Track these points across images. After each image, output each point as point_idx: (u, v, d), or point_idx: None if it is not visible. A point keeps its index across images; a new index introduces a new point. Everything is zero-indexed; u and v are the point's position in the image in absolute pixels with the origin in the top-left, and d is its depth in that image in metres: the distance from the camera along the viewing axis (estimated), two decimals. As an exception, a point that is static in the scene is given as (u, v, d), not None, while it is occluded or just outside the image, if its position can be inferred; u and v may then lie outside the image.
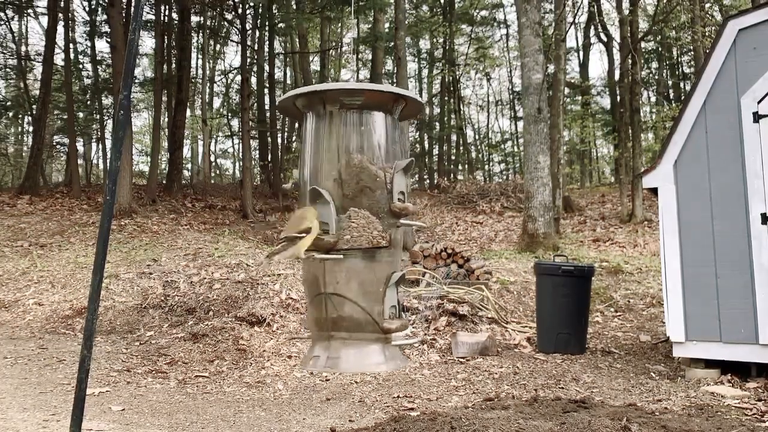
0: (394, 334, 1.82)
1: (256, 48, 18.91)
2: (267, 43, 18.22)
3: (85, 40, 20.42)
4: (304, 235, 1.73)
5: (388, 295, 1.80)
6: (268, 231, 12.41)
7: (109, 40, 14.39)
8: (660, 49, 22.44)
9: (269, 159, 18.87)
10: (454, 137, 25.81)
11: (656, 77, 24.42)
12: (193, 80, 19.88)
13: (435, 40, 26.67)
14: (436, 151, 26.13)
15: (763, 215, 4.29)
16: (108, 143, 19.15)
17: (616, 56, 19.82)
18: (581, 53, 24.76)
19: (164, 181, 17.15)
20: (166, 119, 18.26)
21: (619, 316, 6.79)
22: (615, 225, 13.45)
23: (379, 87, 1.87)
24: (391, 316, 1.81)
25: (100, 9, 18.82)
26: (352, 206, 1.77)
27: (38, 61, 18.56)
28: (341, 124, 1.83)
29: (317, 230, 1.74)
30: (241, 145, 18.15)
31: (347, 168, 1.80)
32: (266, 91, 18.57)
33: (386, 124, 1.87)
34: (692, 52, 18.79)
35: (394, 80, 17.15)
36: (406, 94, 1.88)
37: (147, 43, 22.38)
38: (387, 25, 18.39)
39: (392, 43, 16.52)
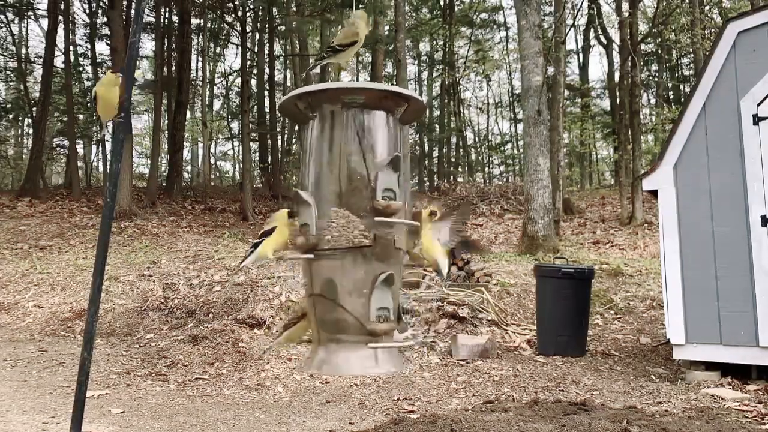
0: (386, 336, 1.79)
1: (256, 50, 18.94)
2: (267, 45, 18.24)
3: (86, 42, 20.44)
4: (263, 238, 1.82)
5: (375, 296, 1.77)
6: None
7: (109, 42, 14.41)
8: (660, 51, 22.46)
9: (269, 161, 18.88)
10: (453, 139, 25.83)
11: (656, 79, 24.44)
12: (193, 82, 19.89)
13: (435, 42, 26.71)
14: (435, 154, 26.15)
15: (763, 217, 4.29)
16: (108, 145, 19.14)
17: (616, 58, 19.90)
18: (581, 56, 24.85)
19: (164, 184, 17.15)
20: (166, 121, 18.27)
21: (619, 318, 6.78)
22: (615, 227, 13.45)
23: (382, 86, 1.85)
24: (381, 318, 1.78)
25: (100, 11, 18.84)
26: (341, 206, 1.76)
27: (38, 64, 18.60)
28: (340, 124, 1.83)
29: (284, 231, 1.81)
30: (241, 147, 18.18)
31: (344, 169, 1.79)
32: (266, 93, 18.58)
33: (387, 124, 1.86)
34: (692, 55, 18.82)
35: (394, 83, 17.17)
36: (408, 94, 1.87)
37: (147, 45, 22.42)
38: (387, 27, 18.42)
39: (392, 46, 16.56)
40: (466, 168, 25.71)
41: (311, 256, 1.75)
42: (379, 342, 1.78)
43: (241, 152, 19.18)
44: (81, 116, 18.81)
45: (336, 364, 1.79)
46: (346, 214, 1.75)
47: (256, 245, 1.92)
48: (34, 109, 17.51)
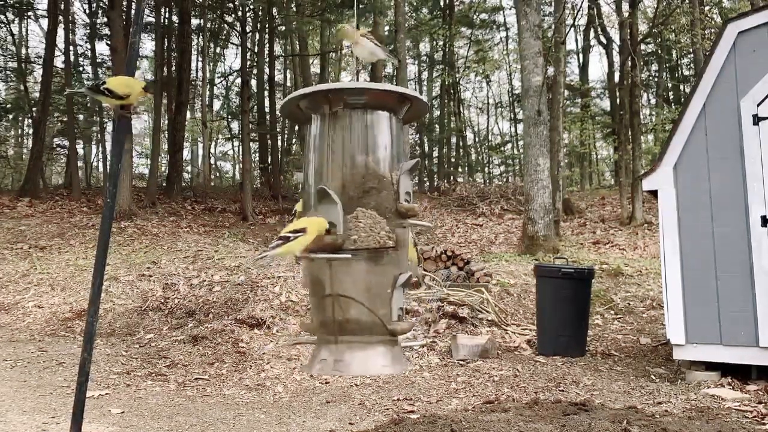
0: (400, 336, 1.81)
1: (256, 50, 18.94)
2: (267, 45, 18.24)
3: (86, 42, 20.45)
4: (298, 234, 1.73)
5: (395, 297, 1.79)
6: (268, 233, 12.40)
7: (109, 42, 14.40)
8: (660, 51, 22.46)
9: (269, 161, 18.87)
10: (454, 140, 25.82)
11: (656, 80, 24.44)
12: (193, 83, 19.88)
13: (435, 42, 26.69)
14: (435, 154, 26.14)
15: (763, 218, 4.29)
16: (108, 146, 19.16)
17: (616, 59, 19.87)
18: (581, 56, 24.83)
19: (164, 184, 17.15)
20: (166, 122, 18.27)
21: (619, 318, 6.79)
22: (615, 227, 13.45)
23: (386, 87, 1.86)
24: (399, 317, 1.80)
25: (100, 12, 18.85)
26: (359, 207, 1.76)
27: (38, 64, 18.59)
28: (347, 124, 1.82)
29: (315, 233, 1.74)
30: (241, 147, 18.16)
31: (353, 169, 1.79)
32: (266, 93, 18.58)
33: (391, 124, 1.86)
34: (692, 55, 18.83)
35: (394, 83, 17.16)
36: (411, 94, 1.87)
37: (147, 45, 22.41)
38: (387, 28, 18.44)
39: (392, 46, 16.56)
40: (466, 168, 25.69)
41: (348, 256, 1.74)
42: (398, 341, 1.79)
43: (241, 152, 19.17)
44: (81, 116, 18.80)
45: (353, 365, 1.78)
46: (372, 215, 1.75)
47: (286, 239, 1.79)
48: (34, 109, 17.50)
